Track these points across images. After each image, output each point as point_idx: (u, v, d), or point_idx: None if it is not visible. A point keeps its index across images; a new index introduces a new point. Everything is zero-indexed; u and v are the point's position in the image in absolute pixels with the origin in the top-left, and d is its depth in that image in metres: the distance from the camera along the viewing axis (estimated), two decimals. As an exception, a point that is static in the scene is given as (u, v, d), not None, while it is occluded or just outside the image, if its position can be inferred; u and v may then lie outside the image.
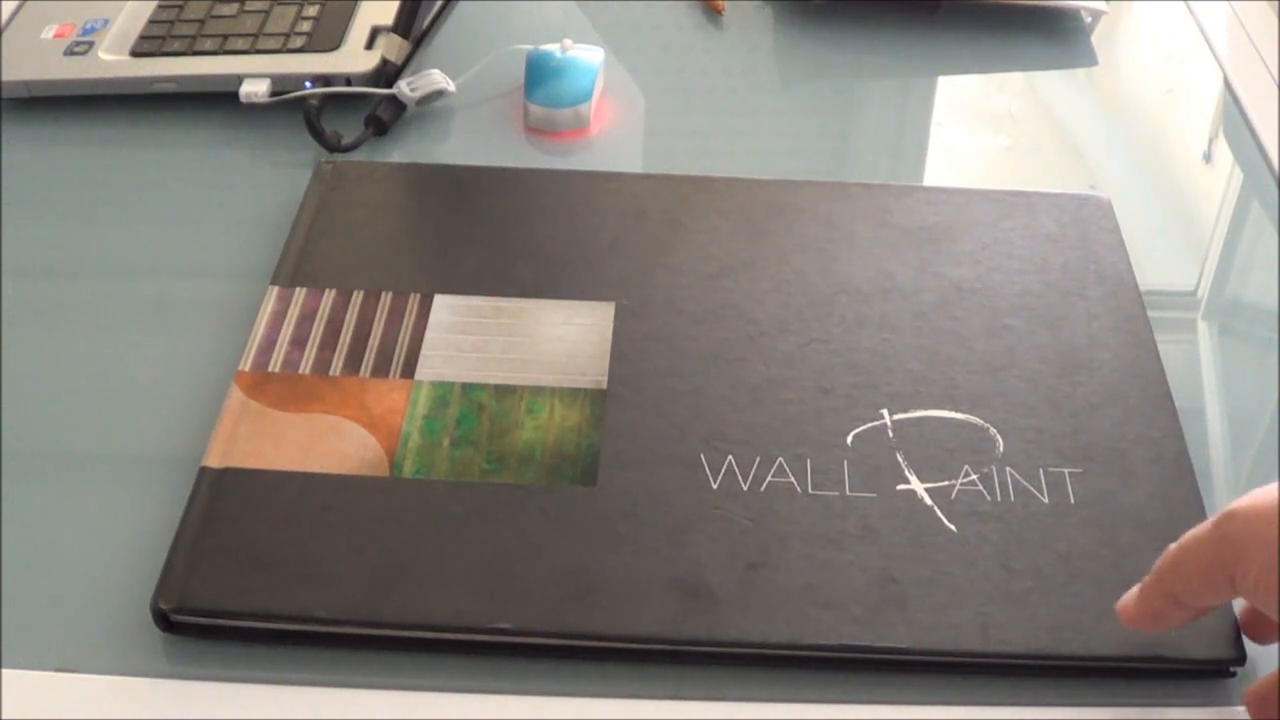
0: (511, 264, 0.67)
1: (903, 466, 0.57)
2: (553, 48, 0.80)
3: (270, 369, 0.61)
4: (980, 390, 0.61)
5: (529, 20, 0.89)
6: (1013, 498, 0.56)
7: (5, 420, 0.60)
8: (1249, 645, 0.51)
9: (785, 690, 0.51)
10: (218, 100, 0.78)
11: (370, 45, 0.80)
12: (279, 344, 0.62)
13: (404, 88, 0.78)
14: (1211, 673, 0.52)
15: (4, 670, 0.51)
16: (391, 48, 0.79)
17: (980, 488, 0.57)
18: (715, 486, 0.56)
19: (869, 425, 0.59)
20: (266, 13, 0.82)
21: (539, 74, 0.79)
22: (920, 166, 0.80)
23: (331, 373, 0.61)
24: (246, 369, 0.61)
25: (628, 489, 0.56)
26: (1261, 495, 0.45)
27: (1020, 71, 0.86)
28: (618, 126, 0.80)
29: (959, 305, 0.65)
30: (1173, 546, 0.47)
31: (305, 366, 0.61)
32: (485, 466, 0.57)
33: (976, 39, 0.88)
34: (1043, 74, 0.86)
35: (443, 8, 0.87)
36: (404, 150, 0.77)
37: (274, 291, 0.65)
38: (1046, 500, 0.56)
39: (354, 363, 0.61)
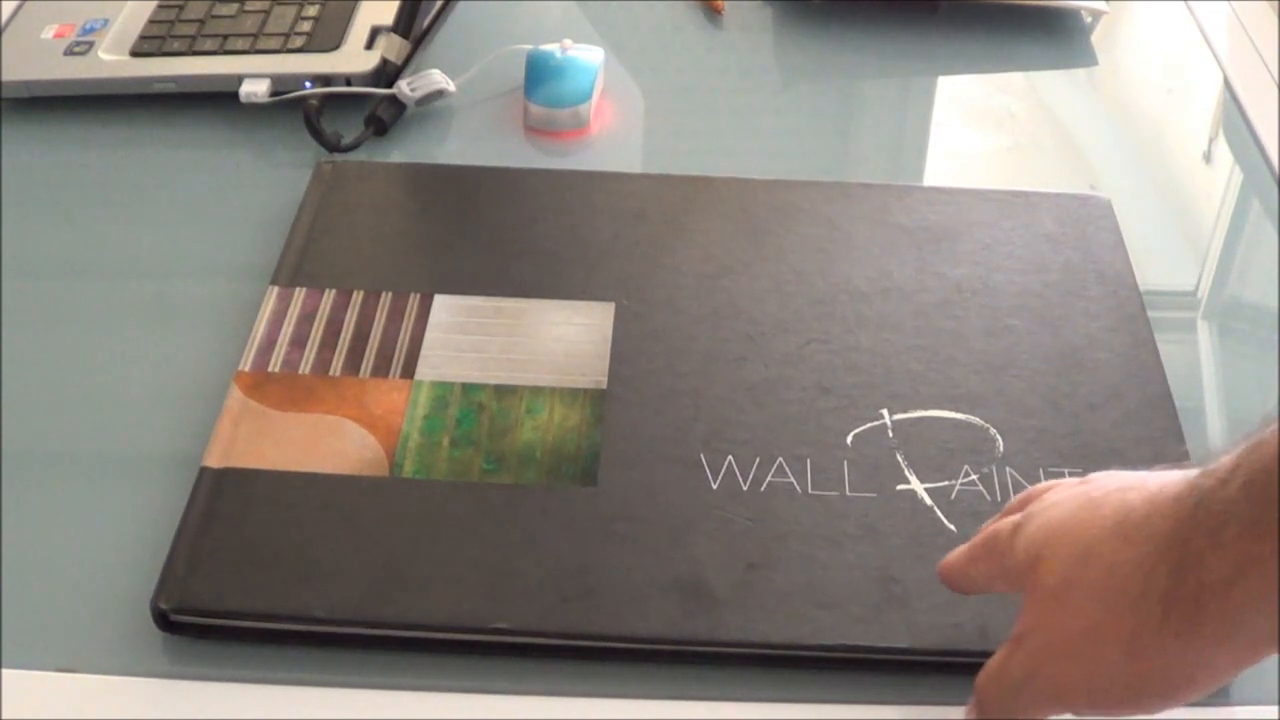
0: (511, 264, 0.67)
1: (903, 466, 0.57)
2: (553, 48, 0.80)
3: (270, 369, 0.61)
4: (980, 390, 0.61)
5: (529, 20, 0.89)
6: (1012, 498, 0.56)
7: (5, 420, 0.60)
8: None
9: (785, 690, 0.51)
10: (218, 100, 0.78)
11: (370, 45, 0.80)
12: (279, 344, 0.62)
13: (404, 88, 0.78)
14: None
15: (4, 670, 0.51)
16: (391, 48, 0.79)
17: (980, 488, 0.57)
18: (715, 486, 0.56)
19: (869, 425, 0.59)
20: (266, 13, 0.82)
21: (539, 74, 0.79)
22: (920, 166, 0.80)
23: (331, 373, 0.61)
24: (246, 369, 0.61)
25: (628, 489, 0.56)
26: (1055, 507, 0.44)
27: (1020, 71, 0.86)
28: (617, 126, 0.80)
29: (959, 305, 0.65)
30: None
31: (305, 366, 0.61)
32: (485, 467, 0.57)
33: (976, 39, 0.88)
34: (1043, 74, 0.86)
35: (443, 8, 0.87)
36: (404, 150, 0.77)
37: (274, 291, 0.65)
38: (1046, 500, 0.56)
39: (354, 363, 0.61)
